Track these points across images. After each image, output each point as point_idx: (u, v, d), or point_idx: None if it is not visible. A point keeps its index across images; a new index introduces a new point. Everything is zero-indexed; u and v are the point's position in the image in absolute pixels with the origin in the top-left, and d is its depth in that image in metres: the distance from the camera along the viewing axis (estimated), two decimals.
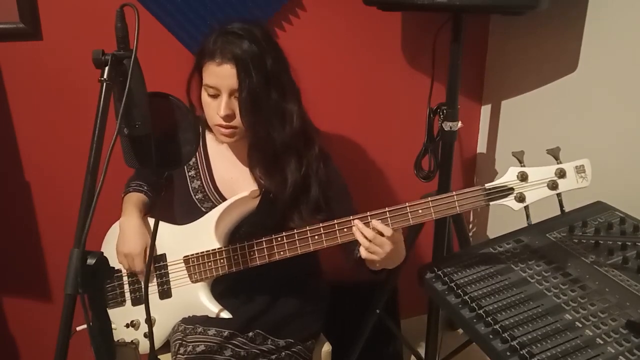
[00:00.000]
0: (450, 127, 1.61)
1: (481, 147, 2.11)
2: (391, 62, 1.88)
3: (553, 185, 1.09)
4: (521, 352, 0.95)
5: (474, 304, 1.08)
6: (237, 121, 1.25)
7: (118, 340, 1.31)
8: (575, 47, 1.60)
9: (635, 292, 1.05)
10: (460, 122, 1.62)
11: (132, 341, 1.33)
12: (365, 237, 1.15)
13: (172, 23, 1.58)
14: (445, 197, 1.14)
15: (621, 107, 1.49)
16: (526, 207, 1.11)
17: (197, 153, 1.39)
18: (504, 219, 2.05)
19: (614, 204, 1.32)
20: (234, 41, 1.20)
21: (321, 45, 1.77)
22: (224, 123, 1.24)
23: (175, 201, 1.44)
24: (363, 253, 1.16)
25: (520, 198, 1.10)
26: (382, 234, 1.14)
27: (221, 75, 1.20)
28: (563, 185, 1.09)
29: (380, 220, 1.15)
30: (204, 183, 1.38)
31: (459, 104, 1.61)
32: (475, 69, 2.01)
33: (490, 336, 1.00)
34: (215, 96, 1.24)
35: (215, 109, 1.24)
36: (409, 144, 1.82)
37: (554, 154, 1.11)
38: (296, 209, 1.32)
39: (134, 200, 1.41)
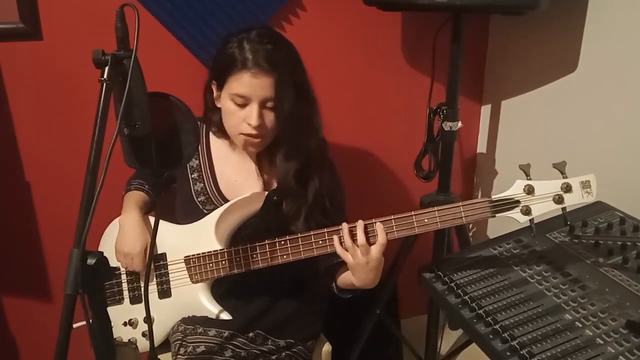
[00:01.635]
0: (450, 127, 1.61)
1: (481, 147, 2.11)
2: (391, 62, 1.88)
3: (559, 200, 1.09)
4: (521, 352, 0.95)
5: (474, 304, 1.08)
6: (265, 130, 1.24)
7: (116, 339, 1.31)
8: (575, 47, 1.60)
9: (635, 292, 1.05)
10: (460, 122, 1.62)
11: (130, 340, 1.33)
12: (353, 240, 1.16)
13: (172, 23, 1.58)
14: (451, 208, 1.14)
15: (621, 107, 1.49)
16: (531, 220, 1.11)
17: (200, 156, 1.39)
18: (504, 219, 2.05)
19: (614, 204, 1.32)
20: (267, 50, 1.19)
21: (321, 45, 1.77)
22: (253, 132, 1.23)
23: (178, 203, 1.43)
24: (338, 248, 1.17)
25: (526, 211, 1.10)
26: (369, 244, 1.15)
27: (255, 85, 1.19)
28: (568, 199, 1.09)
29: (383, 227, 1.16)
30: (207, 186, 1.38)
31: (459, 104, 1.61)
32: (475, 69, 2.00)
33: (490, 336, 1.00)
34: (242, 105, 1.22)
35: (242, 118, 1.22)
36: (409, 144, 1.82)
37: (560, 168, 1.11)
38: (302, 217, 1.31)
39: (134, 199, 1.40)
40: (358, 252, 1.15)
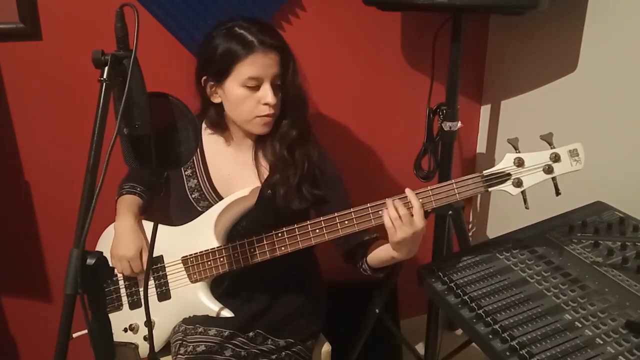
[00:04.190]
0: (450, 127, 1.61)
1: (481, 147, 2.11)
2: (391, 62, 1.88)
3: (549, 170, 1.11)
4: (521, 352, 0.95)
5: (473, 304, 1.08)
6: (278, 107, 1.28)
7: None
8: (575, 47, 1.60)
9: (635, 292, 1.05)
10: (460, 122, 1.62)
11: (131, 342, 1.32)
12: (398, 213, 1.13)
13: (172, 23, 1.58)
14: (444, 185, 1.16)
15: (621, 106, 1.49)
16: (523, 192, 1.13)
17: None
18: (503, 219, 2.05)
19: (614, 204, 1.32)
20: (265, 29, 1.24)
21: (321, 45, 1.77)
22: (270, 112, 1.25)
23: (172, 201, 1.43)
24: (387, 222, 1.14)
25: (518, 183, 1.12)
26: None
27: (267, 64, 1.22)
28: (558, 169, 1.12)
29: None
30: (201, 182, 1.38)
31: (459, 104, 1.61)
32: (475, 69, 2.01)
33: (490, 336, 1.00)
34: (255, 88, 1.24)
35: (257, 100, 1.25)
36: (408, 144, 1.82)
37: (548, 139, 1.14)
38: (297, 190, 1.33)
39: (128, 203, 1.40)
40: (402, 224, 1.12)
